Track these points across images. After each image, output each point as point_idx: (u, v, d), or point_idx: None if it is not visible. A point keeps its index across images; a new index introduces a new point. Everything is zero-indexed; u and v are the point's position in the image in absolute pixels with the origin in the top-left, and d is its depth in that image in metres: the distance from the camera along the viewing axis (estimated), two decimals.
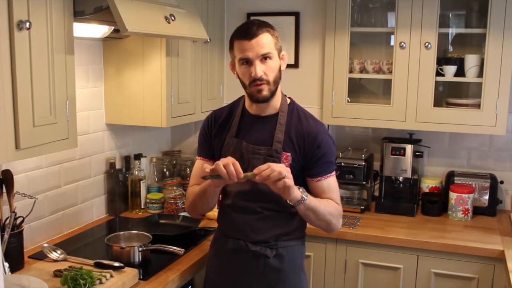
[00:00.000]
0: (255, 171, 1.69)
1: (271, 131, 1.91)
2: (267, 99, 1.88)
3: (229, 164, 1.69)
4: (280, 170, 1.67)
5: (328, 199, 1.91)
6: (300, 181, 1.88)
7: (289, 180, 1.69)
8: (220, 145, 1.98)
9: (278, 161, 1.86)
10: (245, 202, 1.95)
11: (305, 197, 1.78)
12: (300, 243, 2.01)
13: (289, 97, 2.01)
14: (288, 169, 1.73)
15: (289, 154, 1.88)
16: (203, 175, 1.78)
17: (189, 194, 2.02)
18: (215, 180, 1.76)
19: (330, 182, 1.93)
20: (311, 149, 1.89)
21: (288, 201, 1.79)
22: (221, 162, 1.70)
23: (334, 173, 1.95)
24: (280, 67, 1.88)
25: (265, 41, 1.81)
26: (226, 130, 1.99)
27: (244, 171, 1.76)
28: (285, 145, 1.89)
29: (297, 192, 1.76)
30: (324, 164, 1.91)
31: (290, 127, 1.91)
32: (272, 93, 1.88)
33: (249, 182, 1.85)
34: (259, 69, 1.81)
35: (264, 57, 1.81)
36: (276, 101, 1.93)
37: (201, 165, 2.01)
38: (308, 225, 2.64)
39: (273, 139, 1.89)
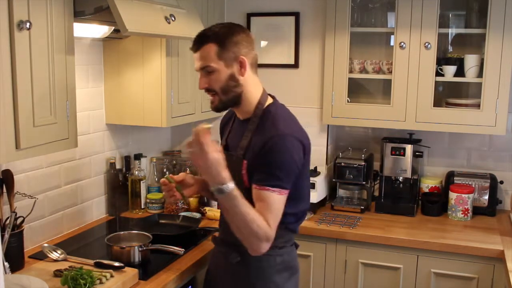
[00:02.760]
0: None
1: (241, 137, 1.87)
2: (217, 110, 1.87)
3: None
4: (191, 147, 1.62)
5: (261, 213, 1.71)
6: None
7: (194, 159, 1.63)
8: (223, 145, 2.00)
9: (238, 168, 1.81)
10: None
11: (230, 186, 1.63)
12: (272, 253, 1.84)
13: (272, 97, 1.93)
14: (215, 148, 1.62)
15: (246, 161, 1.80)
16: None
17: None
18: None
19: (268, 197, 1.71)
20: (260, 152, 1.76)
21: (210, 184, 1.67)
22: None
23: (277, 191, 1.71)
24: (233, 75, 1.79)
25: (203, 55, 1.78)
26: (226, 132, 2.01)
27: None
28: (246, 152, 1.82)
29: (222, 178, 1.62)
30: (263, 172, 1.73)
31: (257, 134, 1.81)
32: (225, 103, 1.84)
33: None
34: (202, 81, 1.82)
35: (205, 70, 1.79)
36: (248, 106, 1.86)
37: None
38: (308, 225, 2.67)
39: (238, 146, 1.86)
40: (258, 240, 1.70)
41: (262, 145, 1.75)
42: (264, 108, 1.85)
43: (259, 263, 1.87)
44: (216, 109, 1.86)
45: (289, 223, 1.87)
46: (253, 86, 1.85)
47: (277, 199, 1.73)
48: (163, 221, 2.64)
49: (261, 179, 1.73)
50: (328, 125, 3.08)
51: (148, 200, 2.87)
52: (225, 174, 1.63)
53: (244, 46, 1.81)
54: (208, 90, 1.83)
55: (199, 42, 1.80)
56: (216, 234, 2.07)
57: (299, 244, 2.04)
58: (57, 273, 1.92)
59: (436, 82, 2.72)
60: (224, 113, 2.07)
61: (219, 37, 1.78)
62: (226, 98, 1.82)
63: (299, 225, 1.95)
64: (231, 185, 1.64)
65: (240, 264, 1.88)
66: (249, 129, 1.84)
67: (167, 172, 3.11)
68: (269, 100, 1.89)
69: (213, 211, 2.72)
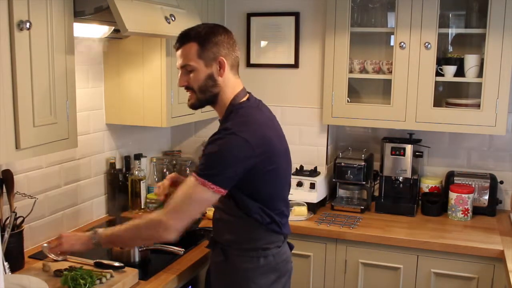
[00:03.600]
0: None
1: None
2: (194, 107, 1.92)
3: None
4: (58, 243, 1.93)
5: (133, 220, 1.88)
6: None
7: (61, 246, 1.92)
8: None
9: None
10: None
11: (94, 237, 1.88)
12: (254, 255, 1.87)
13: (248, 93, 1.94)
14: (66, 237, 1.94)
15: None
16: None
17: None
18: None
19: (186, 182, 1.78)
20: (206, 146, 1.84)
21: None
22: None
23: (200, 181, 1.71)
24: (211, 75, 1.82)
25: (185, 53, 1.82)
26: None
27: None
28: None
29: (83, 241, 1.90)
30: (200, 163, 1.80)
31: None
32: (202, 101, 1.88)
33: None
34: (181, 79, 1.87)
35: (185, 68, 1.84)
36: (223, 106, 1.89)
37: None
38: (308, 225, 2.67)
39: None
40: (152, 234, 1.81)
41: (209, 139, 1.80)
42: (232, 108, 1.87)
43: (242, 264, 1.88)
44: (192, 106, 1.92)
45: (266, 223, 1.86)
46: (230, 87, 1.87)
47: (194, 186, 1.73)
48: None
49: (197, 167, 1.79)
50: (328, 125, 3.08)
51: (148, 200, 2.87)
52: (82, 234, 1.95)
53: (225, 48, 1.83)
54: (187, 88, 1.87)
55: (181, 40, 1.84)
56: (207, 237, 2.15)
57: (293, 245, 2.04)
58: (57, 273, 1.92)
59: (436, 82, 2.72)
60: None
61: (201, 37, 1.81)
62: (203, 96, 1.86)
63: (283, 226, 1.92)
64: (94, 235, 1.87)
65: (224, 263, 1.90)
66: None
67: (167, 172, 3.11)
68: (244, 99, 1.90)
69: (210, 210, 2.72)
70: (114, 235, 1.86)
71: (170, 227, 1.74)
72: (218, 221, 1.96)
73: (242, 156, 1.73)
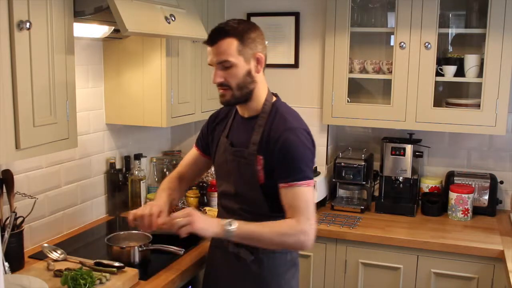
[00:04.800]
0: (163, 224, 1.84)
1: (251, 133, 1.88)
2: (228, 104, 1.88)
3: (144, 217, 1.84)
4: (180, 216, 1.76)
5: (275, 221, 1.79)
6: (275, 186, 1.81)
7: (191, 226, 1.74)
8: (216, 143, 2.01)
9: (252, 163, 1.84)
10: (228, 202, 1.96)
11: (231, 229, 1.74)
12: (284, 251, 1.91)
13: (275, 95, 1.96)
14: (191, 212, 1.76)
15: (262, 157, 1.83)
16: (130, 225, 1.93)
17: (164, 181, 2.15)
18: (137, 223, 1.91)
19: (296, 192, 1.76)
20: (275, 150, 1.80)
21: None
22: (137, 214, 1.86)
23: (305, 183, 1.77)
24: (250, 71, 1.82)
25: (224, 48, 1.78)
26: (221, 130, 2.01)
27: (228, 172, 1.90)
28: (261, 147, 1.84)
29: (214, 229, 1.76)
30: (286, 169, 1.78)
31: (268, 129, 1.84)
32: (238, 98, 1.85)
33: (232, 183, 1.93)
34: (217, 75, 1.82)
35: (223, 64, 1.80)
36: (257, 103, 1.88)
37: (193, 155, 2.16)
38: None
39: (250, 142, 1.87)
40: (295, 240, 1.76)
41: (277, 141, 1.80)
42: (271, 105, 1.89)
43: (273, 261, 1.90)
44: (227, 103, 1.87)
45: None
46: (262, 84, 1.89)
47: (305, 191, 1.77)
48: None
49: (286, 176, 1.78)
50: (328, 125, 3.08)
51: (148, 200, 2.87)
52: (214, 219, 1.81)
53: (260, 43, 1.85)
54: (222, 85, 1.83)
55: (218, 36, 1.79)
56: (213, 242, 2.08)
57: None
58: (57, 273, 1.92)
59: (436, 82, 2.72)
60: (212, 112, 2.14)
61: (239, 32, 1.80)
62: (240, 93, 1.84)
63: None
64: (230, 225, 1.74)
65: (253, 262, 1.90)
66: (259, 125, 1.87)
67: (167, 173, 3.11)
68: (274, 98, 1.94)
69: (213, 211, 2.72)
70: (255, 234, 1.77)
71: (311, 236, 1.77)
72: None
73: (312, 147, 1.86)
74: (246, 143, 1.88)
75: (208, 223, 1.78)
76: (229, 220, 1.77)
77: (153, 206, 1.89)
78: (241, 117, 1.95)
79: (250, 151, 1.85)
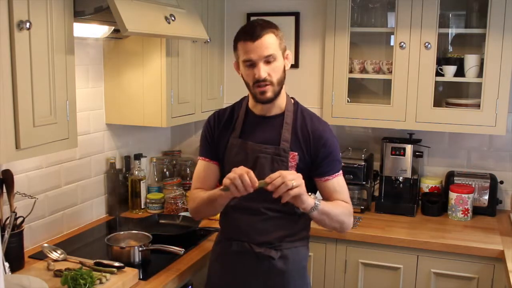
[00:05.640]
0: (267, 179, 1.68)
1: (278, 131, 1.90)
2: (270, 100, 1.86)
3: (244, 174, 1.67)
4: (292, 177, 1.67)
5: (337, 201, 1.93)
6: (306, 181, 1.81)
7: (301, 188, 1.70)
8: (224, 146, 1.97)
9: (286, 160, 1.87)
10: (249, 203, 1.91)
11: (318, 203, 1.79)
12: (304, 244, 2.02)
13: (292, 97, 2.01)
14: (300, 175, 1.72)
15: (296, 153, 1.88)
16: (223, 188, 1.74)
17: (195, 198, 1.97)
18: (228, 192, 1.72)
19: (339, 181, 1.95)
20: (317, 147, 1.89)
21: (301, 209, 1.80)
22: (236, 174, 1.67)
23: (341, 172, 1.97)
24: (284, 67, 1.87)
25: (268, 42, 1.78)
26: (229, 131, 1.97)
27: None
28: (292, 144, 1.89)
29: (310, 200, 1.77)
30: (331, 163, 1.92)
31: (296, 127, 1.91)
32: (276, 94, 1.86)
33: None
34: (263, 71, 1.79)
35: (268, 59, 1.80)
36: (281, 101, 1.92)
37: (204, 166, 2.01)
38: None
39: (280, 139, 1.89)
40: (349, 220, 1.95)
41: (319, 138, 1.89)
42: (294, 103, 1.97)
43: (297, 255, 1.97)
44: (269, 100, 1.87)
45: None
46: None
47: (343, 178, 1.98)
48: (163, 221, 2.65)
49: (330, 170, 1.92)
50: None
51: (148, 200, 2.87)
52: (308, 195, 1.79)
53: (284, 42, 1.89)
54: (264, 80, 1.81)
55: (261, 30, 1.79)
56: (234, 247, 1.99)
57: None
58: (57, 273, 1.92)
59: (436, 82, 2.72)
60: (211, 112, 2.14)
61: (276, 28, 1.85)
62: (278, 89, 1.87)
63: None
64: (318, 202, 1.80)
65: (279, 259, 1.93)
66: (286, 122, 1.91)
67: (167, 173, 3.11)
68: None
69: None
70: (332, 212, 1.87)
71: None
72: (266, 220, 1.92)
73: None
74: (274, 140, 1.89)
75: (304, 193, 1.74)
76: (313, 194, 1.87)
77: (242, 168, 1.71)
78: (259, 116, 1.94)
79: (284, 147, 1.88)
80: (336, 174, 1.94)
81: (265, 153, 1.89)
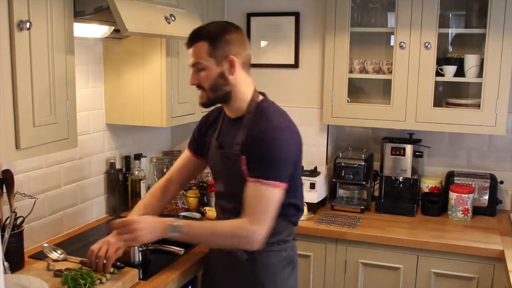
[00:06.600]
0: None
1: (236, 134, 1.89)
2: (204, 105, 1.91)
3: (100, 258, 1.87)
4: (110, 241, 1.87)
5: (221, 221, 1.87)
6: None
7: (135, 242, 1.85)
8: (208, 145, 2.03)
9: (236, 163, 1.85)
10: (223, 201, 1.99)
11: (177, 223, 1.79)
12: (278, 248, 1.92)
13: (263, 94, 1.96)
14: (133, 228, 1.78)
15: (245, 156, 1.82)
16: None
17: (148, 193, 2.23)
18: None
19: (255, 189, 1.76)
20: (256, 147, 1.79)
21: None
22: (93, 253, 1.89)
23: (272, 183, 1.74)
24: (223, 73, 1.82)
25: (197, 51, 1.82)
26: (212, 132, 2.02)
27: (219, 173, 1.95)
28: (245, 147, 1.84)
29: (158, 235, 1.81)
30: (258, 165, 1.77)
31: (252, 129, 1.84)
32: (212, 100, 1.88)
33: (222, 183, 1.96)
34: (193, 77, 1.87)
35: (197, 66, 1.84)
36: (240, 104, 1.89)
37: (185, 157, 2.16)
38: (308, 225, 2.67)
39: (234, 142, 1.89)
40: (245, 241, 1.78)
41: (257, 137, 1.79)
42: (257, 104, 1.89)
43: (267, 260, 1.90)
44: (203, 105, 1.92)
45: (291, 215, 1.92)
46: (244, 85, 1.88)
47: (270, 191, 1.76)
48: None
49: (256, 172, 1.78)
50: (328, 125, 3.08)
51: None
52: (162, 219, 1.82)
53: (236, 46, 1.84)
54: (198, 86, 1.87)
55: (193, 39, 1.85)
56: None
57: (296, 237, 2.07)
58: (57, 273, 1.92)
59: (436, 82, 2.72)
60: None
61: (211, 35, 1.82)
62: (214, 95, 1.87)
63: (299, 218, 2.00)
64: (176, 222, 1.79)
65: (247, 261, 1.91)
66: (244, 125, 1.87)
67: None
68: (260, 97, 1.93)
69: (213, 211, 2.72)
70: (195, 235, 1.83)
71: (259, 237, 1.76)
72: None
73: (298, 149, 1.86)
74: (231, 143, 1.89)
75: (152, 230, 1.80)
76: (174, 219, 1.81)
77: (111, 246, 1.89)
78: (229, 118, 1.97)
79: (234, 151, 1.87)
80: (257, 179, 1.76)
81: (224, 156, 1.92)
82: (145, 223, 1.81)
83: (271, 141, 1.76)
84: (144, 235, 1.80)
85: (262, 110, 1.87)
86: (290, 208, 1.91)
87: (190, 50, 1.85)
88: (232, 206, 1.93)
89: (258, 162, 1.77)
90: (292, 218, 1.95)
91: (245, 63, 1.88)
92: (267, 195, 1.76)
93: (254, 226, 1.75)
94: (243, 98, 1.89)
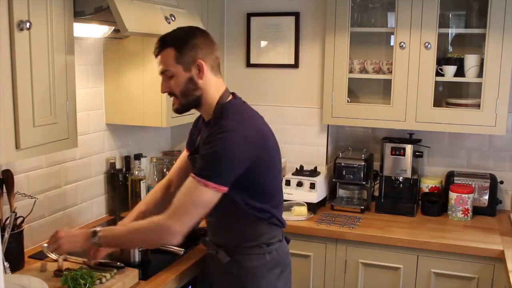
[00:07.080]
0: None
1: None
2: (178, 111, 1.91)
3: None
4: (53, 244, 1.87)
5: (146, 219, 1.81)
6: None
7: (60, 251, 1.88)
8: (196, 145, 2.02)
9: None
10: None
11: (96, 233, 1.82)
12: (260, 252, 1.90)
13: (233, 94, 1.94)
14: (57, 237, 1.85)
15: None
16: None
17: (150, 193, 2.26)
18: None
19: (188, 185, 1.74)
20: (203, 145, 1.81)
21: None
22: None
23: (203, 182, 1.70)
24: (192, 78, 1.82)
25: (164, 59, 1.83)
26: (197, 134, 2.03)
27: None
28: (200, 149, 1.85)
29: (79, 248, 1.87)
30: (199, 161, 1.77)
31: (210, 130, 1.83)
32: (185, 106, 1.88)
33: None
34: (163, 85, 1.87)
35: (166, 74, 1.84)
36: (209, 107, 1.88)
37: (183, 156, 2.17)
38: (308, 225, 2.67)
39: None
40: (160, 236, 1.76)
41: (207, 138, 1.79)
42: (221, 106, 1.87)
43: (250, 262, 1.89)
44: (176, 111, 1.92)
45: (267, 218, 1.89)
46: (213, 88, 1.87)
47: (200, 190, 1.71)
48: None
49: (195, 169, 1.77)
50: (328, 125, 3.08)
51: None
52: (80, 233, 1.88)
53: (203, 50, 1.83)
54: (170, 94, 1.88)
55: (159, 46, 1.85)
56: (201, 241, 2.15)
57: (290, 238, 2.06)
58: (57, 273, 1.92)
59: (436, 82, 2.72)
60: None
61: (177, 41, 1.82)
62: (186, 101, 1.87)
63: (282, 219, 1.96)
64: (96, 228, 1.83)
65: (230, 264, 1.90)
66: (209, 128, 1.85)
67: (167, 172, 3.10)
68: (229, 98, 1.91)
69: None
70: (115, 237, 1.83)
71: (175, 231, 1.72)
72: (217, 223, 1.96)
73: (243, 153, 1.75)
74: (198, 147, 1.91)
75: (73, 242, 1.86)
76: (92, 231, 1.83)
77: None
78: (203, 121, 1.97)
79: (194, 155, 1.89)
80: (192, 176, 1.73)
81: (190, 161, 1.97)
82: (66, 234, 1.88)
83: (215, 141, 1.74)
84: (65, 244, 1.85)
85: (223, 112, 1.84)
86: (260, 211, 1.86)
87: (158, 58, 1.85)
88: (215, 208, 1.83)
89: (199, 159, 1.78)
90: (270, 220, 1.90)
91: (214, 66, 1.87)
92: (195, 194, 1.72)
93: (170, 220, 1.72)
94: (212, 102, 1.88)
